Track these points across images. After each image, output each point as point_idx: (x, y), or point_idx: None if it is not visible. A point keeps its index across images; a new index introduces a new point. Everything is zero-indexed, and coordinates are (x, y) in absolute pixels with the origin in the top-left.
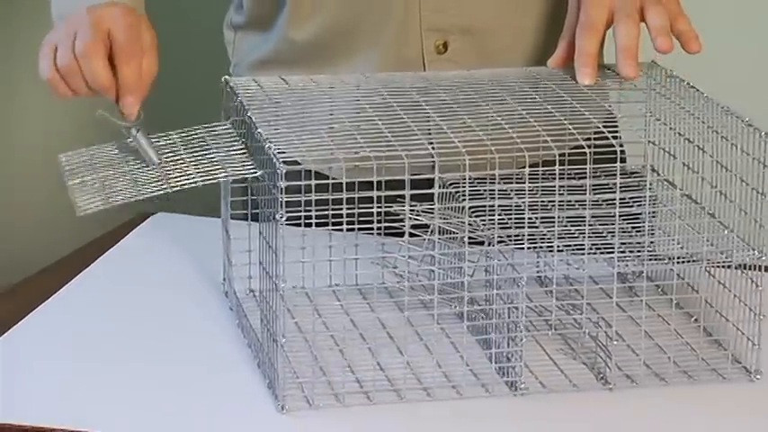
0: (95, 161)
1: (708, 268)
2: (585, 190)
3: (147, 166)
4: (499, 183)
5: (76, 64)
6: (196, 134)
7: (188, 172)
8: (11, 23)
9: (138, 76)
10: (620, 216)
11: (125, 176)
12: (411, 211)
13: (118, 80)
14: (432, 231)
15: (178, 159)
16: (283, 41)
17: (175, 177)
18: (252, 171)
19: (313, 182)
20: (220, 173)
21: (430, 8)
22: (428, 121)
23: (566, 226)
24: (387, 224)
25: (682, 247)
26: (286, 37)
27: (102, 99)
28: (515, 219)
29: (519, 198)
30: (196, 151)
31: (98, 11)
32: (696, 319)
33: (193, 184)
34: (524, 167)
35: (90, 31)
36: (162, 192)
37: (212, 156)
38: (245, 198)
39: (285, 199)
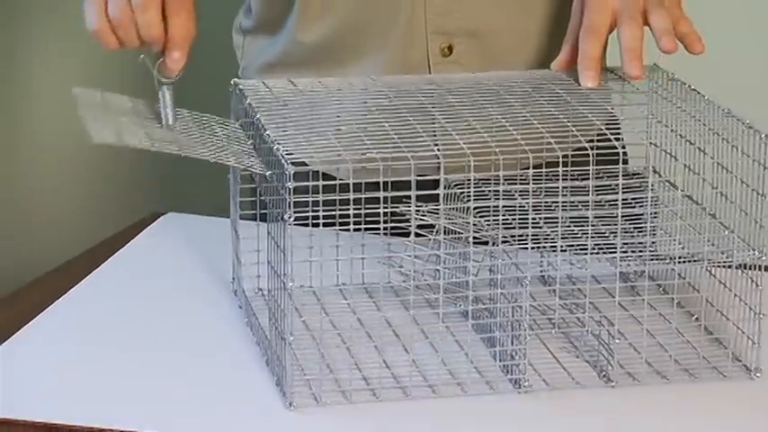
0: (109, 105)
1: (709, 268)
2: (588, 191)
3: (161, 126)
4: (503, 184)
5: (131, 14)
6: (209, 119)
7: (200, 144)
8: (20, 23)
9: (187, 31)
10: (622, 216)
11: (138, 127)
12: (417, 211)
13: (168, 32)
14: (437, 231)
15: (190, 132)
16: (291, 44)
17: (187, 145)
18: (260, 168)
19: (321, 183)
20: (230, 158)
21: (435, 12)
22: (434, 124)
23: (569, 226)
24: (393, 224)
25: (683, 247)
26: (294, 40)
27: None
28: (519, 219)
29: (523, 199)
30: (208, 133)
31: None
32: (697, 318)
33: (202, 157)
34: (528, 169)
35: None
36: (172, 152)
37: (223, 143)
38: (253, 199)
39: (293, 199)
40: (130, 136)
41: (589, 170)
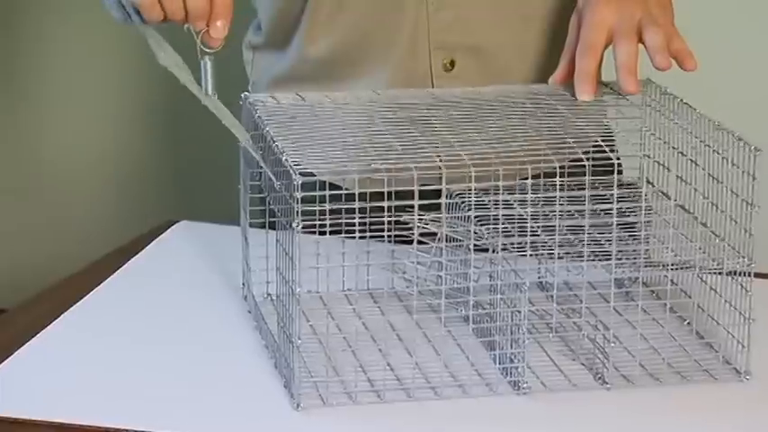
0: (166, 48)
1: (700, 274)
2: (584, 200)
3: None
4: (503, 193)
5: None
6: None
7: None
8: (47, 24)
9: (229, 1)
10: (617, 225)
11: (189, 80)
12: (420, 220)
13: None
14: (439, 239)
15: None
16: (298, 59)
17: (223, 112)
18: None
19: (327, 192)
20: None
21: (438, 28)
22: (436, 136)
23: (566, 234)
24: (397, 232)
25: (675, 255)
26: (301, 54)
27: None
28: (518, 227)
29: (521, 208)
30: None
31: None
32: (689, 323)
33: (234, 127)
34: (527, 179)
35: None
36: (213, 112)
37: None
38: (263, 208)
39: (301, 208)
40: (186, 78)
41: (585, 180)
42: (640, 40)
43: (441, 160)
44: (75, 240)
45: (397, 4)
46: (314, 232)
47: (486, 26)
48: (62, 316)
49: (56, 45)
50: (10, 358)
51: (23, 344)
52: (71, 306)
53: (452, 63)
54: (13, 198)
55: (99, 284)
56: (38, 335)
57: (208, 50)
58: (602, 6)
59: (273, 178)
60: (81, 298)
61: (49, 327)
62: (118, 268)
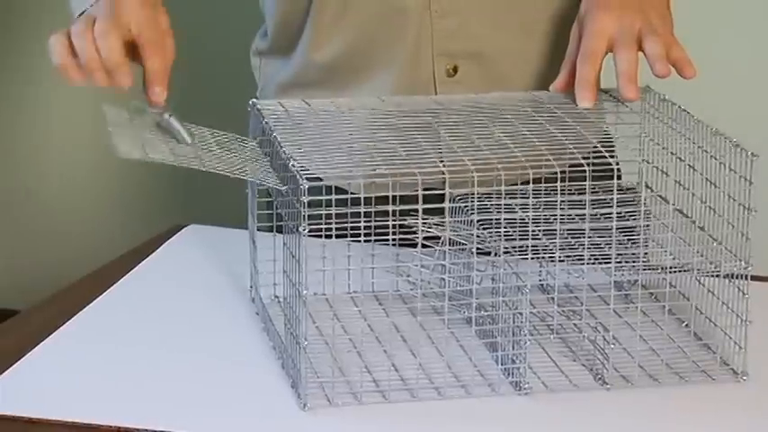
0: (136, 123)
1: (698, 277)
2: (585, 205)
3: (181, 144)
4: (505, 198)
5: (94, 45)
6: (227, 138)
7: (219, 160)
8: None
9: (163, 66)
10: (616, 229)
11: (162, 143)
12: (423, 223)
13: (145, 71)
14: (442, 242)
15: (211, 149)
16: (304, 65)
17: (208, 160)
18: (276, 183)
19: (333, 196)
20: (248, 173)
21: (441, 35)
22: (439, 141)
23: (566, 238)
24: (401, 236)
25: (674, 258)
26: (306, 60)
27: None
28: (520, 231)
29: (523, 212)
30: (227, 150)
31: (117, 2)
32: (687, 325)
33: (223, 172)
34: (528, 184)
35: (110, 17)
36: (195, 167)
37: (241, 159)
38: (270, 212)
39: (308, 212)
40: (155, 151)
41: (585, 185)
42: (640, 49)
43: (444, 165)
44: (87, 244)
45: (401, 11)
46: (320, 235)
47: (488, 33)
48: (75, 317)
49: None
50: (24, 358)
51: (37, 344)
52: (83, 307)
53: (455, 69)
54: (23, 202)
55: (110, 286)
56: (51, 335)
57: (155, 111)
58: (603, 15)
59: (280, 183)
60: (93, 299)
61: (61, 327)
62: (129, 271)
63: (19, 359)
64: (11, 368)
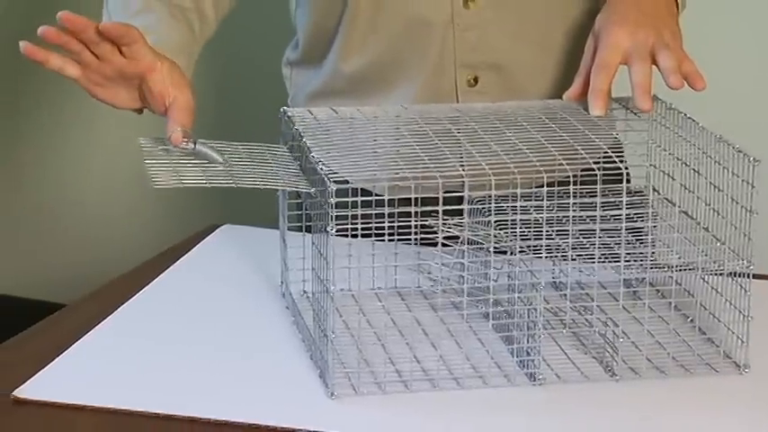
0: (170, 149)
1: (702, 276)
2: (595, 207)
3: (215, 165)
4: (520, 200)
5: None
6: (259, 148)
7: (252, 174)
8: None
9: (188, 104)
10: (625, 229)
11: (196, 167)
12: (444, 224)
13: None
14: (462, 242)
15: (243, 164)
16: (333, 75)
17: (240, 176)
18: (306, 187)
19: (359, 198)
20: (279, 182)
21: (463, 47)
22: (459, 147)
23: (578, 238)
24: (423, 235)
25: (680, 257)
26: (335, 71)
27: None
28: (534, 231)
29: (537, 213)
30: (258, 161)
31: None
32: (692, 320)
33: (256, 186)
34: (542, 187)
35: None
36: (228, 185)
37: (272, 168)
38: (300, 213)
39: (335, 213)
40: (189, 178)
41: (596, 188)
42: (653, 62)
43: (463, 169)
44: (128, 244)
45: (427, 25)
46: (346, 235)
47: (507, 47)
48: (116, 311)
49: None
50: (70, 349)
51: (78, 339)
52: (124, 302)
53: (476, 80)
54: (71, 208)
55: (149, 283)
56: (94, 328)
57: (179, 148)
58: (619, 30)
59: (309, 186)
60: (132, 296)
61: (104, 321)
62: (167, 268)
63: (66, 349)
64: (57, 359)
